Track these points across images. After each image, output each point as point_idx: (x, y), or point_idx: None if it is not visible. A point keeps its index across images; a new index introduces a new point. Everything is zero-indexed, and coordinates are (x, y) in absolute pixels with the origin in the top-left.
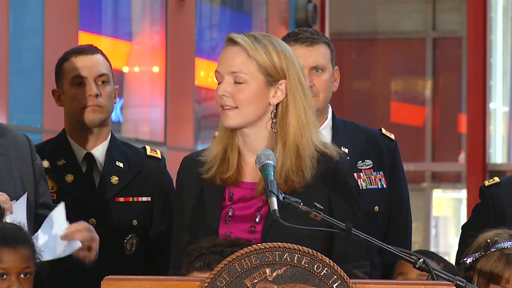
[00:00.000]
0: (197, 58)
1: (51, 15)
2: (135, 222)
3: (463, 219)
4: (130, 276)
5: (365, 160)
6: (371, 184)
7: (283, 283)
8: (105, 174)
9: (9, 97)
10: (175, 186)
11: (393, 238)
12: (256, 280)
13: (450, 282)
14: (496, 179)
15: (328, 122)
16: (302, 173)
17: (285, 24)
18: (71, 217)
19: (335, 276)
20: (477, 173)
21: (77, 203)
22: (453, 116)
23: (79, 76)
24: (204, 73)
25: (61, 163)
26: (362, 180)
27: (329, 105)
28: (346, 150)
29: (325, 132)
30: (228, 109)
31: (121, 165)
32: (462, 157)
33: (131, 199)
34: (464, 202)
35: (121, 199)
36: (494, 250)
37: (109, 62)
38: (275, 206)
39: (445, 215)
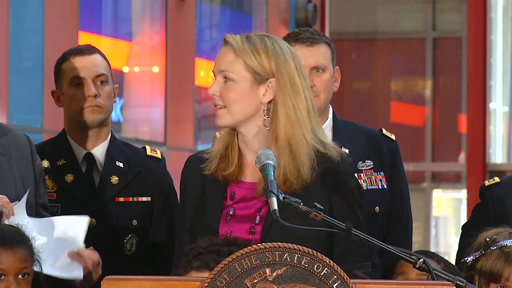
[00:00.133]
0: (197, 58)
1: (51, 15)
2: (135, 222)
3: (463, 219)
4: (130, 276)
5: (366, 161)
6: (371, 185)
7: (283, 283)
8: (105, 174)
9: (9, 97)
10: (178, 186)
11: (394, 238)
12: (256, 280)
13: (450, 282)
14: (496, 179)
15: (329, 122)
16: (299, 172)
17: (285, 24)
18: None
19: (335, 276)
20: (477, 173)
21: (77, 203)
22: (453, 116)
23: (78, 76)
24: (204, 73)
25: (61, 163)
26: (363, 180)
27: (329, 105)
28: (347, 151)
29: (326, 132)
30: (219, 108)
31: (121, 165)
32: (462, 157)
33: (131, 199)
34: (464, 202)
35: (121, 199)
36: (494, 249)
37: (107, 61)
38: (275, 206)
39: (445, 215)
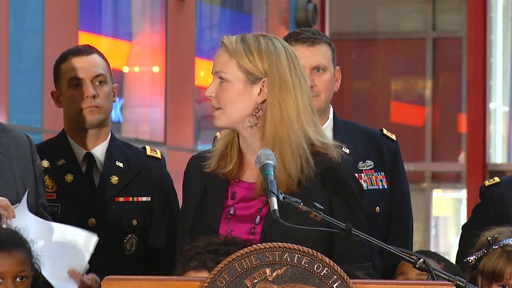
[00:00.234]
0: (197, 58)
1: (51, 15)
2: (134, 222)
3: (463, 219)
4: (130, 276)
5: (366, 161)
6: (372, 185)
7: (283, 283)
8: (105, 174)
9: (9, 97)
10: (178, 186)
11: (394, 238)
12: (256, 280)
13: (450, 282)
14: (496, 179)
15: (329, 122)
16: (285, 171)
17: (285, 24)
18: (71, 217)
19: (335, 276)
20: (477, 173)
21: (77, 203)
22: (453, 116)
23: (76, 77)
24: (204, 73)
25: (61, 163)
26: (363, 180)
27: (330, 105)
28: (347, 151)
29: (326, 133)
30: (215, 109)
31: (121, 165)
32: (462, 157)
33: (131, 199)
34: (464, 202)
35: (121, 199)
36: (496, 248)
37: (106, 61)
38: (275, 206)
39: (445, 215)
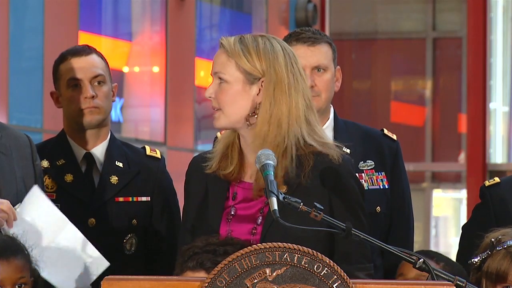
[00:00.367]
0: (197, 58)
1: (51, 15)
2: (134, 222)
3: (463, 219)
4: (130, 276)
5: (367, 161)
6: (373, 185)
7: (283, 283)
8: (104, 174)
9: (9, 97)
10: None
11: (395, 238)
12: (256, 280)
13: (450, 282)
14: (497, 179)
15: (330, 122)
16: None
17: (285, 24)
18: (71, 217)
19: (335, 276)
20: (477, 173)
21: (76, 203)
22: (453, 116)
23: (75, 78)
24: (204, 73)
25: (60, 163)
26: (364, 180)
27: (331, 105)
28: (348, 151)
29: (327, 133)
30: (215, 110)
31: (120, 165)
32: (462, 157)
33: (130, 199)
34: (464, 202)
35: (121, 199)
36: (500, 249)
37: (105, 61)
38: (275, 206)
39: (445, 215)
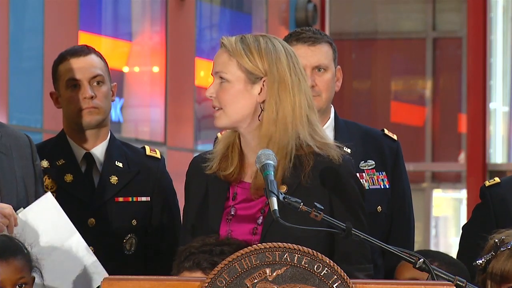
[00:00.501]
0: (197, 58)
1: (51, 15)
2: (134, 222)
3: (463, 219)
4: (130, 276)
5: (368, 161)
6: (373, 184)
7: (283, 283)
8: (104, 174)
9: (9, 97)
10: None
11: (396, 238)
12: (256, 280)
13: (450, 282)
14: (497, 179)
15: (331, 122)
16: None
17: (285, 24)
18: (71, 217)
19: (335, 276)
20: (477, 173)
21: (76, 203)
22: (453, 116)
23: (74, 78)
24: (204, 73)
25: (60, 163)
26: (365, 180)
27: (331, 105)
28: (349, 150)
29: (328, 132)
30: (216, 110)
31: (120, 165)
32: (462, 157)
33: (130, 199)
34: (464, 202)
35: (121, 199)
36: (504, 250)
37: (104, 60)
38: (275, 206)
39: (445, 215)
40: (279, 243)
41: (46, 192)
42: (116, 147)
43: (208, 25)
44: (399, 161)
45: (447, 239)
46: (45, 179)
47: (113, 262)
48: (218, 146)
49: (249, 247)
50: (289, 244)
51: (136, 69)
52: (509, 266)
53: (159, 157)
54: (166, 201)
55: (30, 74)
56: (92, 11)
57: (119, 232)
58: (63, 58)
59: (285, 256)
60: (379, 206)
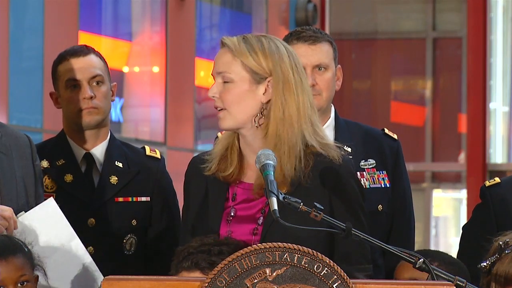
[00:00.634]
0: (197, 58)
1: (51, 15)
2: (134, 222)
3: (463, 219)
4: (130, 276)
5: (368, 160)
6: (374, 183)
7: (283, 283)
8: (104, 174)
9: (9, 97)
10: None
11: (396, 238)
12: (256, 280)
13: (450, 282)
14: (497, 179)
15: (331, 121)
16: (281, 171)
17: (285, 24)
18: (71, 217)
19: (335, 276)
20: (477, 173)
21: (76, 203)
22: (453, 116)
23: (73, 79)
24: (204, 73)
25: (60, 163)
26: (365, 179)
27: (331, 104)
28: (349, 150)
29: (328, 132)
30: (219, 110)
31: (120, 165)
32: (462, 157)
33: (130, 199)
34: (464, 202)
35: (120, 199)
36: (508, 252)
37: (104, 60)
38: (275, 206)
39: (445, 215)
40: (279, 243)
41: (46, 192)
42: (116, 147)
43: (208, 25)
44: (400, 161)
45: (447, 239)
46: (45, 179)
47: (113, 262)
48: (217, 147)
49: (249, 247)
50: (289, 244)
51: (136, 69)
52: None
53: (159, 157)
54: (166, 201)
55: (30, 74)
56: (92, 11)
57: (119, 232)
58: (62, 58)
59: (285, 256)
60: (379, 205)
